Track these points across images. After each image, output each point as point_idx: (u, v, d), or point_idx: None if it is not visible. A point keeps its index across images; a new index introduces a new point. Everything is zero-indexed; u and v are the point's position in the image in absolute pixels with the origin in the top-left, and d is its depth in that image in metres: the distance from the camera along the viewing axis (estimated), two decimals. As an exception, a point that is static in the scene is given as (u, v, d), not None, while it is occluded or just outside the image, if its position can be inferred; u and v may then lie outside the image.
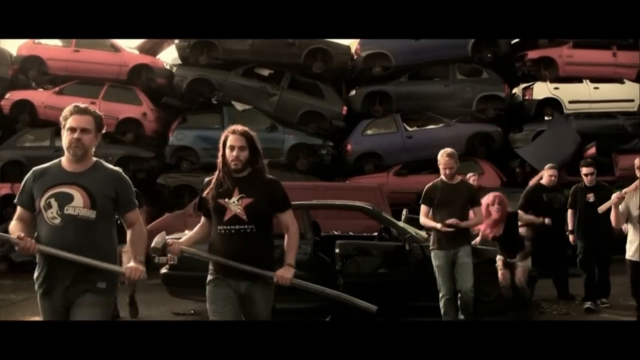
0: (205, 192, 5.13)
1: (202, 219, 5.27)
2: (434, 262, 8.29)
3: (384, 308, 9.72)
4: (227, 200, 5.00)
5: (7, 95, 18.42)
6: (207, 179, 5.24)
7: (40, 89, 19.27)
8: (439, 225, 8.16)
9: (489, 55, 19.07)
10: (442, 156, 8.31)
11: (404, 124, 18.32)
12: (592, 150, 16.32)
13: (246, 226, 4.94)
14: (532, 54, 19.15)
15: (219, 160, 5.08)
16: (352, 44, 19.44)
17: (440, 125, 18.24)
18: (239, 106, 18.21)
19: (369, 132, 18.42)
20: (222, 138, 5.09)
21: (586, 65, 18.83)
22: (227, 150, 5.04)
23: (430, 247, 8.40)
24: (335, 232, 11.59)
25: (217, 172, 5.11)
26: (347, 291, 9.50)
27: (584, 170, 10.19)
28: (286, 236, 5.15)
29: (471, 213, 8.49)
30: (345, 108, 18.64)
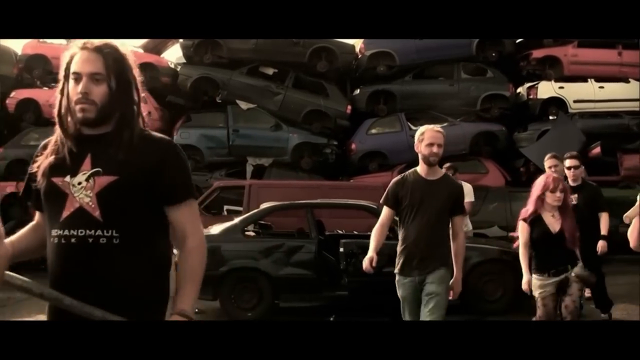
0: (36, 164, 2.81)
1: (36, 214, 2.94)
2: (398, 292, 6.10)
3: (388, 307, 9.77)
4: (67, 179, 2.70)
5: (12, 94, 18.48)
6: (44, 142, 2.93)
7: (45, 88, 19.33)
8: (367, 261, 6.00)
9: (494, 54, 19.07)
10: (429, 130, 5.85)
11: (408, 123, 18.31)
12: (597, 150, 16.29)
13: (100, 232, 2.63)
14: (537, 53, 19.14)
15: (57, 102, 2.84)
16: (357, 43, 19.45)
17: (445, 124, 18.17)
18: (244, 105, 18.24)
19: (373, 131, 18.43)
20: (66, 59, 2.77)
21: (591, 64, 18.81)
22: (71, 84, 2.74)
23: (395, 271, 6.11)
24: (340, 231, 11.59)
25: (56, 129, 2.87)
26: (351, 290, 9.58)
27: (567, 162, 8.46)
28: (181, 254, 2.77)
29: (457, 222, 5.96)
30: (349, 107, 18.66)
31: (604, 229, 8.15)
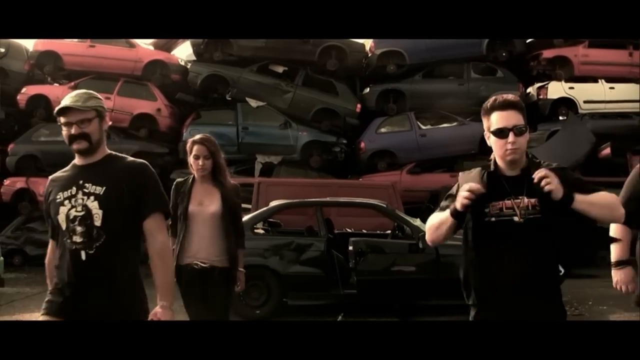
0: None
1: None
2: None
3: (397, 306, 9.78)
4: None
5: (23, 90, 18.54)
6: None
7: (56, 84, 19.43)
8: None
9: (504, 54, 19.03)
10: None
11: (418, 122, 18.31)
12: (607, 151, 16.23)
13: None
14: (547, 53, 19.09)
15: None
16: (367, 41, 19.44)
17: (454, 123, 18.21)
18: (253, 103, 18.26)
19: (382, 130, 18.42)
20: None
21: (602, 64, 18.74)
22: None
23: None
24: (349, 230, 11.60)
25: None
26: (360, 289, 9.60)
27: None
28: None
29: None
30: (359, 106, 18.66)
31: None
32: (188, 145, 5.50)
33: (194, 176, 5.52)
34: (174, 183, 5.60)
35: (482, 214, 3.32)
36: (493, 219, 3.31)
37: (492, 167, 3.49)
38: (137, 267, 3.64)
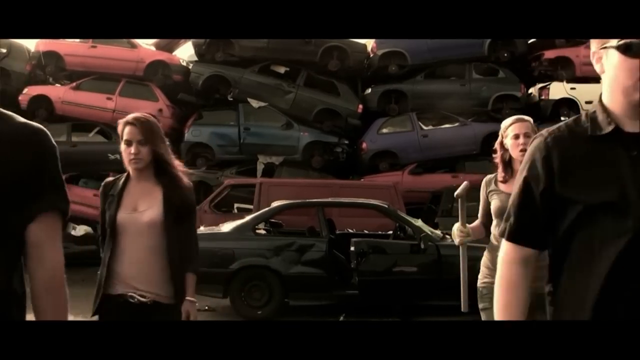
0: None
1: None
2: None
3: (399, 306, 9.77)
4: None
5: (25, 91, 18.54)
6: None
7: (58, 85, 19.43)
8: None
9: (506, 54, 19.04)
10: None
11: (420, 123, 18.32)
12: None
13: None
14: (549, 54, 19.08)
15: None
16: (368, 42, 19.45)
17: (456, 124, 18.22)
18: (255, 103, 18.27)
19: (384, 130, 18.43)
20: None
21: (604, 65, 18.74)
22: None
23: None
24: (350, 230, 11.60)
25: None
26: (362, 289, 9.60)
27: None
28: None
29: None
30: (360, 106, 18.65)
31: None
32: (119, 128, 3.97)
33: (128, 173, 4.02)
34: (102, 183, 4.14)
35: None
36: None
37: (603, 118, 2.11)
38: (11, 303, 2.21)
